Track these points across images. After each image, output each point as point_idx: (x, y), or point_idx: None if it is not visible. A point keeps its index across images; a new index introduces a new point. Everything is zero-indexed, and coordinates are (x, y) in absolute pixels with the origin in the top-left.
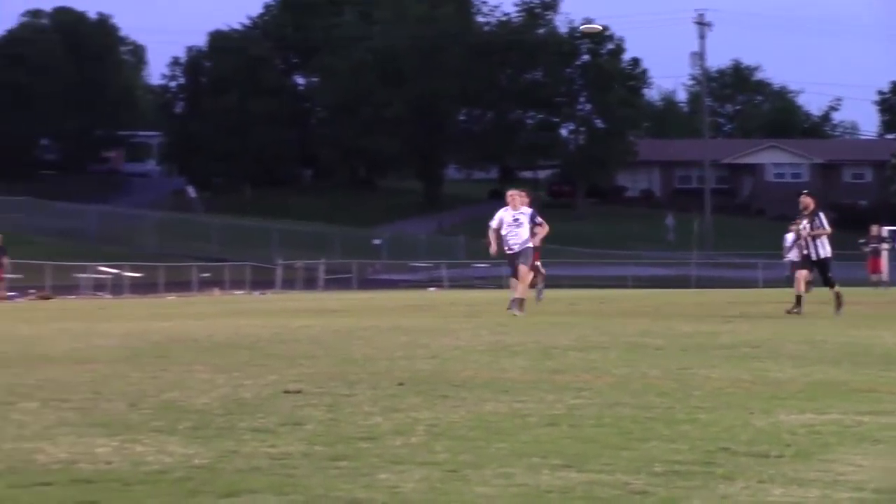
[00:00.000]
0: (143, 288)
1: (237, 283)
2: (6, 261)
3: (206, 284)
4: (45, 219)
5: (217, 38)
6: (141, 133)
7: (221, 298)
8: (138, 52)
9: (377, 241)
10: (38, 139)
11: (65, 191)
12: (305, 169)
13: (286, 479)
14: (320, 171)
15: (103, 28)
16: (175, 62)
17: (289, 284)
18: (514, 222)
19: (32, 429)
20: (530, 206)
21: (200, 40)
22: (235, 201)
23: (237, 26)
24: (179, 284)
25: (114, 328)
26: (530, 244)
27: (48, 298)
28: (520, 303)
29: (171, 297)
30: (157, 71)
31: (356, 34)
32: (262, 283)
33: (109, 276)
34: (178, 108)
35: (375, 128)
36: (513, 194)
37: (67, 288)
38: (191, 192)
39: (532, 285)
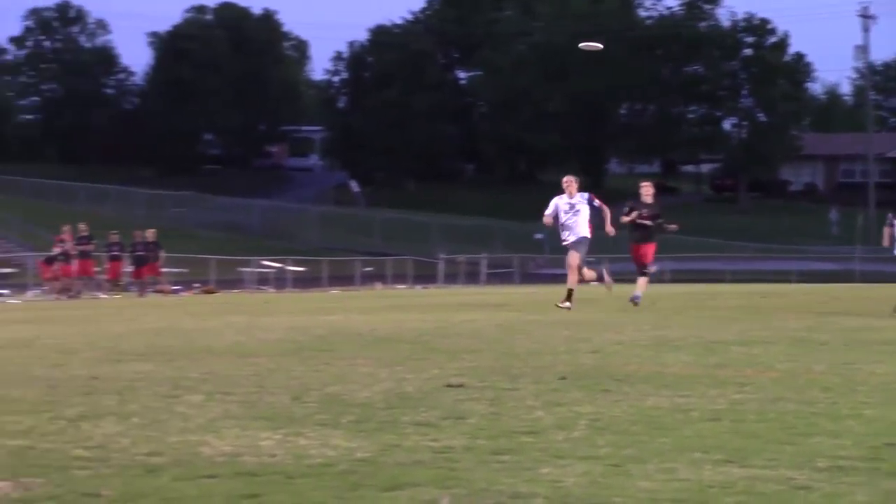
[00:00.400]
0: (306, 282)
1: (399, 278)
2: (162, 255)
3: (368, 278)
4: (208, 213)
5: (379, 32)
6: (304, 128)
7: (384, 292)
8: (301, 47)
9: (539, 236)
10: (202, 134)
11: (228, 185)
12: (467, 163)
13: (448, 473)
14: (482, 165)
15: (267, 23)
16: (338, 57)
17: (451, 279)
18: (571, 209)
19: (197, 422)
20: (654, 197)
21: (362, 35)
22: (398, 196)
23: (399, 21)
24: (342, 278)
25: (277, 322)
26: (587, 235)
27: (212, 292)
28: (568, 294)
29: (334, 291)
30: (319, 66)
31: (518, 29)
32: (424, 277)
33: (273, 271)
34: (341, 102)
35: (537, 122)
36: (568, 180)
37: (231, 282)
38: (353, 186)
39: (582, 281)
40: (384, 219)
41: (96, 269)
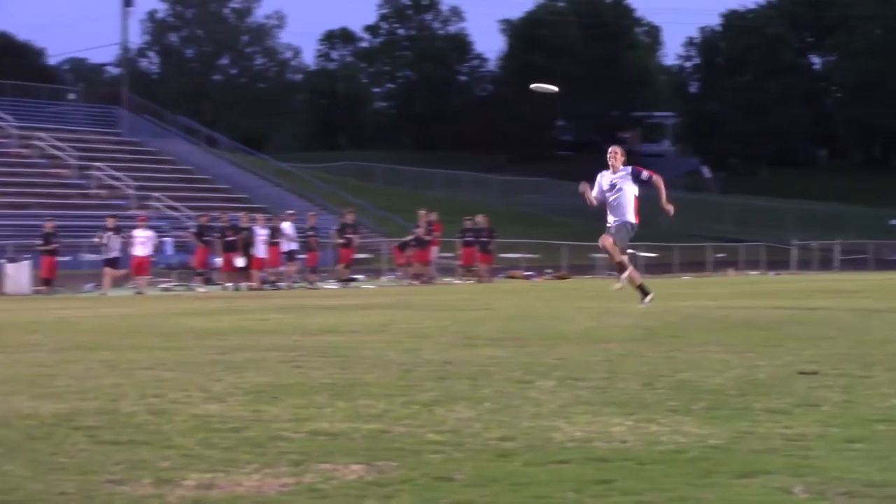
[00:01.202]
0: (658, 267)
1: (751, 264)
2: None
3: (720, 264)
4: (561, 199)
5: (732, 17)
6: (656, 114)
7: (735, 279)
8: (653, 32)
9: (894, 222)
10: (555, 120)
11: (581, 171)
12: (820, 149)
13: (801, 461)
14: (835, 150)
15: (620, 9)
16: (689, 42)
17: (804, 265)
18: (612, 189)
19: (549, 407)
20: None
21: (714, 20)
22: (750, 182)
23: (752, 6)
24: (694, 264)
25: (628, 308)
26: (630, 220)
27: (564, 278)
28: (620, 270)
29: (686, 277)
30: (671, 52)
31: (871, 13)
32: (777, 263)
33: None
34: (693, 88)
35: (894, 106)
36: (613, 150)
37: (584, 267)
38: (705, 172)
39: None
40: (736, 205)
41: (449, 254)
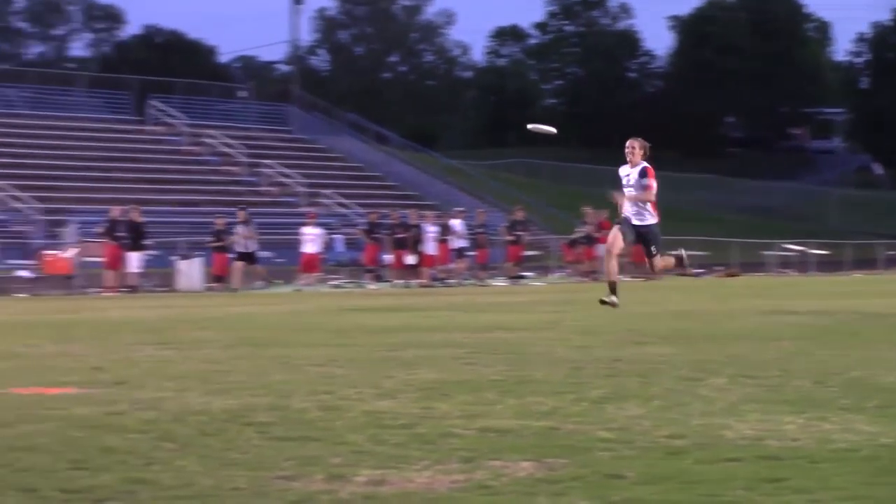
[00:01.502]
0: (829, 265)
1: None
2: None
3: (892, 262)
4: (731, 196)
5: None
6: (826, 110)
7: None
8: (824, 28)
9: None
10: (724, 117)
11: (751, 168)
12: None
13: None
14: None
15: (789, 5)
16: (860, 38)
17: None
18: (626, 183)
19: (720, 405)
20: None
21: (886, 16)
22: None
23: None
24: (865, 262)
25: (800, 305)
26: (652, 219)
27: (735, 275)
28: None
29: (857, 275)
30: (842, 47)
31: None
32: None
33: (796, 254)
34: (863, 84)
35: None
36: (630, 145)
37: (754, 265)
38: (877, 169)
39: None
40: None
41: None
